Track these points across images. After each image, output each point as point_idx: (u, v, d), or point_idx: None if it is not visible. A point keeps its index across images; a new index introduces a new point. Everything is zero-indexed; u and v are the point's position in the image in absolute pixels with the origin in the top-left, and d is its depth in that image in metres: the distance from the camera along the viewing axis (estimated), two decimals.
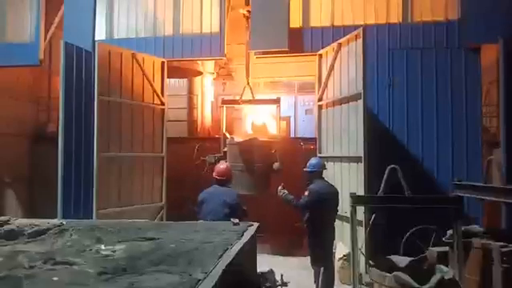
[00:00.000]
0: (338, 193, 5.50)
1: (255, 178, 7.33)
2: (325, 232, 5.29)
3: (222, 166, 5.53)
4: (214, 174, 5.36)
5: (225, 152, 7.61)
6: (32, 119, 10.58)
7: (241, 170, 7.28)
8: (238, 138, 7.62)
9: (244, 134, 8.03)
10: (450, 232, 4.49)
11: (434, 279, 3.73)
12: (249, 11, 7.79)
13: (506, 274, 3.09)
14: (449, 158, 7.02)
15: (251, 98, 8.12)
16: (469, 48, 7.11)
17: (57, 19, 9.19)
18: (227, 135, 7.79)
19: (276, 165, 7.35)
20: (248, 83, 8.12)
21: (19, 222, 2.83)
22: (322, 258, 5.28)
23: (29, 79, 10.44)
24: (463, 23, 7.16)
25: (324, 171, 5.67)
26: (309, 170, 5.52)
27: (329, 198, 5.29)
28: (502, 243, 3.38)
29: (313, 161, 5.65)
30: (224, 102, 8.30)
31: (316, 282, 5.30)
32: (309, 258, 5.48)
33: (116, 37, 8.55)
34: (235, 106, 8.88)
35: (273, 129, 8.40)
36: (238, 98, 8.29)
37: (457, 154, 7.01)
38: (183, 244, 2.34)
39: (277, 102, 7.93)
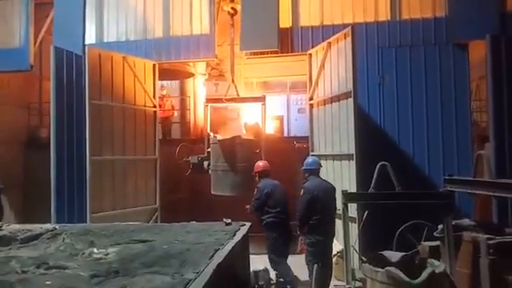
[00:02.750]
0: (333, 189, 5.49)
1: (239, 179, 6.99)
2: (321, 228, 5.34)
3: (260, 163, 6.11)
4: (255, 171, 6.05)
5: (209, 152, 7.34)
6: (23, 124, 10.55)
7: (223, 169, 6.98)
8: (221, 137, 7.29)
9: (231, 133, 7.64)
10: (441, 226, 4.54)
11: (425, 273, 3.78)
12: (233, 8, 7.76)
13: (493, 266, 3.15)
14: (439, 154, 7.10)
15: (236, 96, 7.91)
16: (457, 44, 7.19)
17: (46, 24, 9.17)
18: (211, 135, 7.50)
19: None
20: (233, 81, 7.98)
21: (12, 227, 2.85)
22: (316, 254, 5.32)
23: (19, 84, 10.40)
24: (451, 20, 7.25)
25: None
26: (304, 168, 5.61)
27: (322, 194, 5.32)
28: (489, 236, 3.44)
29: (309, 160, 5.75)
30: (208, 100, 8.09)
31: (311, 278, 5.34)
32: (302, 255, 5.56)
33: (106, 40, 8.54)
34: (228, 106, 8.81)
35: (267, 128, 8.30)
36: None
37: (447, 150, 7.09)
38: (175, 245, 2.36)
39: (262, 99, 7.67)
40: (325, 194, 5.35)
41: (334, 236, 5.53)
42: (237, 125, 8.99)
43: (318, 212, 5.23)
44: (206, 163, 7.32)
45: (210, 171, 7.25)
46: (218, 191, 6.95)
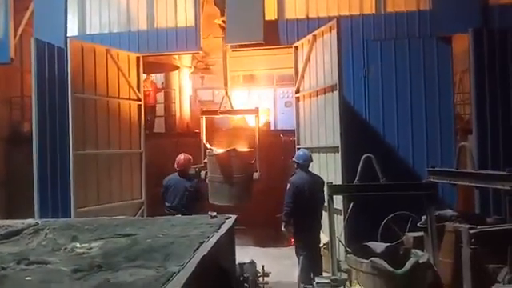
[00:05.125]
0: (322, 183, 5.51)
1: (236, 189, 7.29)
2: (306, 221, 5.39)
3: (182, 157, 6.22)
4: (176, 165, 6.16)
5: (205, 163, 7.52)
6: (5, 119, 10.30)
7: (220, 181, 7.24)
8: (217, 150, 7.51)
9: (224, 144, 7.80)
10: (424, 217, 4.61)
11: (409, 263, 3.84)
12: (224, 21, 7.74)
13: (474, 255, 3.22)
14: (423, 146, 7.18)
15: (230, 108, 8.14)
16: (440, 37, 7.25)
17: (27, 16, 8.95)
18: (207, 146, 7.65)
19: (256, 175, 7.40)
20: (226, 93, 8.12)
21: None
22: (301, 247, 5.39)
23: (0, 78, 10.15)
24: (435, 13, 7.30)
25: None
26: (293, 160, 5.70)
27: (308, 188, 5.37)
28: (470, 225, 3.51)
29: (300, 152, 5.84)
30: (203, 112, 8.19)
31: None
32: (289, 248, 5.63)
33: (89, 32, 8.37)
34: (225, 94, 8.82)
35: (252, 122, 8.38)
36: (220, 93, 8.24)
37: (431, 142, 7.18)
38: (160, 239, 2.35)
39: (255, 112, 7.89)
40: (310, 188, 5.39)
41: (320, 229, 5.57)
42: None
43: (304, 206, 5.30)
44: (203, 173, 7.48)
45: (207, 180, 7.46)
46: (216, 201, 7.21)
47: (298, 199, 5.29)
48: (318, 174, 5.99)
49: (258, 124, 7.90)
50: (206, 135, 7.89)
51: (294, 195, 5.31)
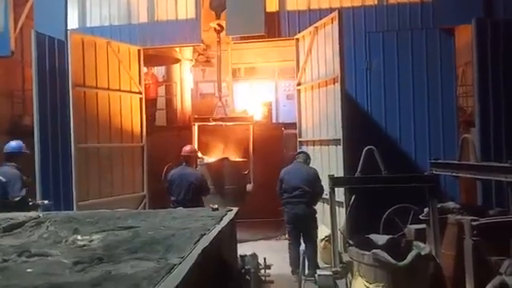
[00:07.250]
0: (308, 173, 5.73)
1: (227, 201, 6.83)
2: (287, 208, 5.72)
3: (187, 147, 6.22)
4: (182, 153, 6.11)
5: None
6: (7, 113, 10.31)
7: (211, 192, 6.79)
8: (208, 159, 7.34)
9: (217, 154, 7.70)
10: (426, 210, 4.60)
11: (411, 255, 3.83)
12: (219, 25, 7.66)
13: (477, 247, 3.21)
14: (426, 139, 7.16)
15: (224, 116, 8.07)
16: (443, 29, 7.19)
17: (27, 9, 8.91)
18: (199, 155, 7.42)
19: (249, 186, 7.29)
20: (220, 98, 8.09)
21: None
22: (288, 231, 5.81)
23: (1, 71, 10.13)
24: (437, 4, 7.23)
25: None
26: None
27: (288, 177, 5.70)
28: (473, 217, 3.50)
29: (299, 150, 6.32)
30: (195, 119, 8.08)
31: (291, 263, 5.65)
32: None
33: (89, 25, 8.34)
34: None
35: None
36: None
37: (433, 134, 7.15)
38: (161, 231, 2.35)
39: (250, 120, 7.84)
40: (291, 177, 5.72)
41: (307, 217, 5.62)
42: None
43: (285, 192, 5.71)
44: None
45: None
46: None
47: (281, 186, 5.80)
48: (319, 166, 6.06)
49: (252, 134, 7.77)
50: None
51: (279, 181, 5.83)
